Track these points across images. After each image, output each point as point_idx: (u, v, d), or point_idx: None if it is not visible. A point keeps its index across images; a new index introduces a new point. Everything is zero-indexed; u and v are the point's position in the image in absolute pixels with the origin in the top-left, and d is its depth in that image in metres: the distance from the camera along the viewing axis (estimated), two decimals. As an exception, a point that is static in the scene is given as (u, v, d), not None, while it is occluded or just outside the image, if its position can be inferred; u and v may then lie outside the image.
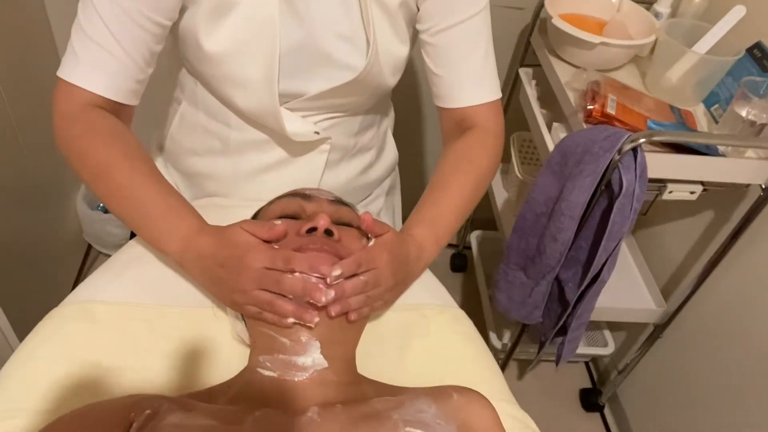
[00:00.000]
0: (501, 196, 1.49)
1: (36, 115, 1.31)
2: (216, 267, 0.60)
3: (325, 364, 0.57)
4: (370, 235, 0.63)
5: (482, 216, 1.68)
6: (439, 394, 0.56)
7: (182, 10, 0.67)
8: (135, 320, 0.64)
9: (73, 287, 1.56)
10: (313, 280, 0.56)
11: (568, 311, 1.08)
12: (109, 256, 0.76)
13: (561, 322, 1.12)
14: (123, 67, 0.66)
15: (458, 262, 1.83)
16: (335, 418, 0.51)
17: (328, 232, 0.60)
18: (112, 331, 0.63)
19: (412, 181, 1.24)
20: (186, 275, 0.67)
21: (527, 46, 1.29)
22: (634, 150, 0.88)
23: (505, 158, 1.49)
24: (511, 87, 1.39)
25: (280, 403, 0.54)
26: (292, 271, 0.56)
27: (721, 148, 0.96)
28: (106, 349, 0.61)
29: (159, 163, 0.93)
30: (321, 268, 0.56)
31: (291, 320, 0.57)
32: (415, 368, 0.67)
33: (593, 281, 1.02)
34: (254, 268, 0.56)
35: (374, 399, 0.54)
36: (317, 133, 0.77)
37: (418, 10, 0.73)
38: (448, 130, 0.80)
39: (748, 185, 1.01)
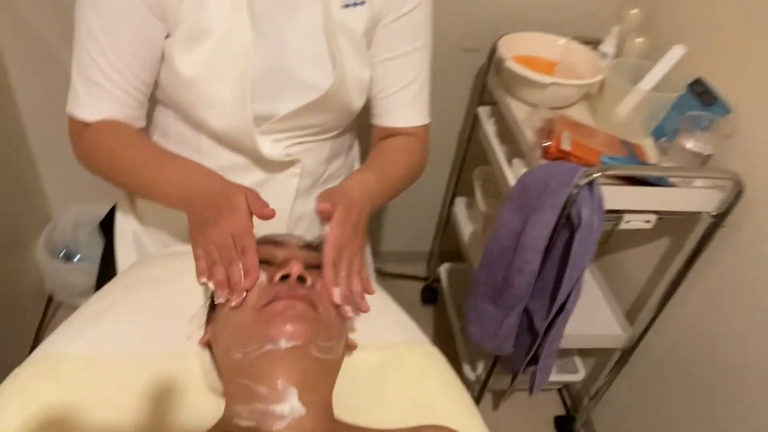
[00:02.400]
0: (467, 228, 1.53)
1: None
2: (204, 203, 0.67)
3: (303, 411, 0.57)
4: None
5: (450, 248, 1.72)
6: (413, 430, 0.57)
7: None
8: (104, 374, 0.64)
9: (35, 340, 1.51)
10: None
11: (538, 341, 1.11)
12: (71, 306, 0.76)
13: (532, 352, 1.14)
14: (118, 99, 0.75)
15: (429, 295, 1.84)
16: None
17: (301, 279, 0.61)
18: (81, 386, 0.62)
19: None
20: (154, 322, 0.69)
21: (484, 86, 1.35)
22: (590, 184, 0.93)
23: (469, 192, 1.54)
24: (471, 125, 1.43)
25: None
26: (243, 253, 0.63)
27: (671, 179, 1.01)
28: (74, 407, 0.60)
29: (126, 208, 0.94)
30: (297, 330, 0.57)
31: (210, 284, 0.63)
32: (390, 407, 0.68)
33: (560, 311, 1.05)
34: (227, 225, 0.64)
35: None
36: (289, 155, 0.81)
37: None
38: (378, 140, 0.90)
39: (699, 213, 1.07)
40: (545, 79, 1.10)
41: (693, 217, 1.10)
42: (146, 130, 0.86)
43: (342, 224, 0.68)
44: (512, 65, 1.12)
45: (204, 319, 0.69)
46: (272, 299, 0.59)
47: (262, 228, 0.69)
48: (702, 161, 1.01)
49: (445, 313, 1.70)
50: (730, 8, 1.07)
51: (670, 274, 1.17)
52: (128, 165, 0.77)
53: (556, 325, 1.08)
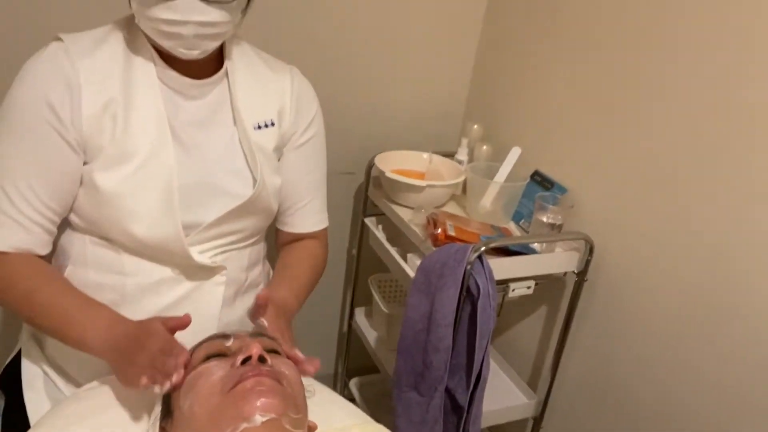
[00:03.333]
0: (371, 337, 1.59)
1: None
2: (124, 343, 0.72)
3: None
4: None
5: (356, 364, 1.75)
6: None
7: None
8: None
9: None
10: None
11: (464, 417, 1.17)
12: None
13: (460, 431, 1.19)
14: (25, 228, 0.77)
15: (341, 418, 1.81)
16: None
17: (262, 359, 0.65)
18: None
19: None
20: None
21: (365, 200, 1.52)
22: (480, 257, 1.09)
23: (365, 302, 1.64)
24: (359, 236, 1.57)
25: None
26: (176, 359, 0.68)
27: (537, 247, 1.21)
28: None
29: (34, 354, 0.89)
30: (270, 402, 0.61)
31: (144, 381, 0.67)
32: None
33: (477, 381, 1.14)
34: (151, 351, 0.69)
35: None
36: (214, 262, 0.86)
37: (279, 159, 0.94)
38: (285, 243, 1.03)
39: (565, 273, 1.27)
40: (421, 183, 1.29)
41: (561, 280, 1.31)
42: (54, 258, 0.86)
43: (275, 317, 0.80)
44: (392, 175, 1.30)
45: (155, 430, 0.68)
46: (238, 380, 0.61)
47: (195, 341, 0.75)
48: (557, 230, 1.23)
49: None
50: (551, 116, 1.38)
51: (556, 335, 1.34)
52: (45, 307, 0.77)
53: (477, 397, 1.16)
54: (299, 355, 0.74)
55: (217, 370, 0.64)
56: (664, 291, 1.10)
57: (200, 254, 0.85)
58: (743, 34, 0.94)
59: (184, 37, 0.75)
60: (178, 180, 0.80)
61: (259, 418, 0.58)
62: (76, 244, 0.84)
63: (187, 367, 0.68)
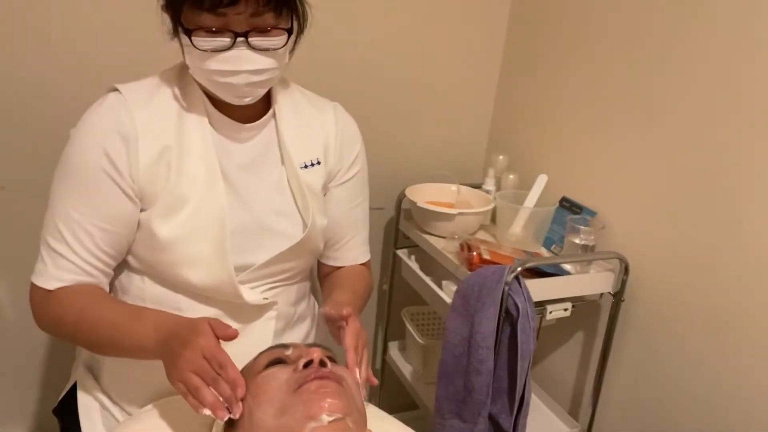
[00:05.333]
0: (407, 371, 1.59)
1: None
2: (172, 339, 0.70)
3: None
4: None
5: (392, 402, 1.73)
6: None
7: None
8: None
9: None
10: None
11: (509, 443, 1.15)
12: None
13: (505, 459, 1.17)
14: (83, 270, 0.79)
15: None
16: None
17: (322, 363, 0.67)
18: None
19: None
20: None
21: (396, 233, 1.54)
22: (517, 278, 1.10)
23: (399, 336, 1.64)
24: (391, 269, 1.59)
25: None
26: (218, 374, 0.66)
27: (570, 269, 1.22)
28: None
29: (89, 385, 0.92)
30: (335, 403, 0.63)
31: (206, 411, 0.65)
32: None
33: (520, 405, 1.13)
34: (197, 349, 0.67)
35: None
36: (266, 298, 0.88)
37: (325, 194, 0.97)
38: (328, 273, 1.05)
39: (601, 296, 1.28)
40: (453, 211, 1.33)
41: (597, 303, 1.31)
42: (112, 294, 0.89)
43: (356, 319, 0.80)
44: (425, 205, 1.34)
45: None
46: (303, 382, 0.63)
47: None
48: (590, 251, 1.24)
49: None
50: (574, 142, 1.41)
51: (595, 360, 1.33)
52: (97, 324, 0.78)
53: (520, 421, 1.15)
54: (368, 373, 0.77)
55: (281, 374, 0.66)
56: (703, 309, 1.10)
57: (251, 291, 0.87)
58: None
59: (236, 86, 0.78)
60: (230, 223, 0.82)
61: (326, 418, 0.60)
62: (134, 282, 0.87)
63: (244, 397, 0.67)
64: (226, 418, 0.65)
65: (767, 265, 0.99)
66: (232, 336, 0.70)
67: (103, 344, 0.80)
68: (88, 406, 0.90)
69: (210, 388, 0.66)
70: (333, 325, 0.84)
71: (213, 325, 0.70)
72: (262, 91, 0.83)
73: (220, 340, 0.69)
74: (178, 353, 0.68)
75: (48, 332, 0.83)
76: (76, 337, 0.81)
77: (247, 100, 0.81)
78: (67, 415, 0.91)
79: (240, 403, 0.65)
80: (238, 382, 0.65)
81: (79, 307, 0.79)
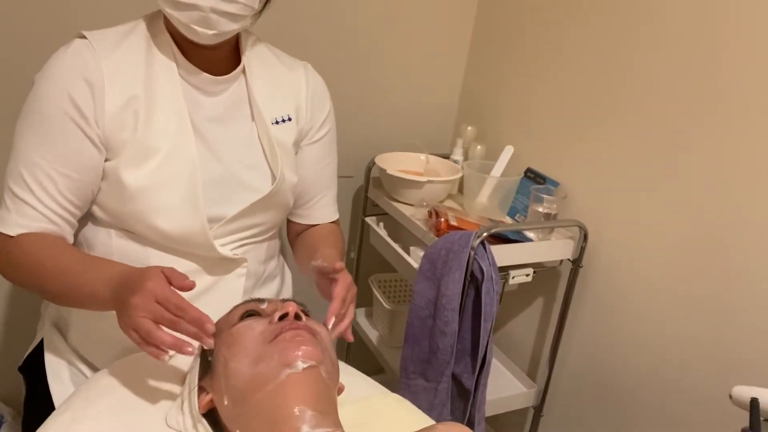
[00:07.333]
0: (373, 336, 1.63)
1: None
2: (121, 287, 0.69)
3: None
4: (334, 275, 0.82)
5: (359, 367, 1.76)
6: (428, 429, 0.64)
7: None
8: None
9: None
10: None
11: (470, 401, 1.21)
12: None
13: (467, 416, 1.23)
14: (46, 217, 0.79)
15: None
16: None
17: (297, 316, 0.69)
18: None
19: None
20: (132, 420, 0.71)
21: (365, 200, 1.57)
22: (483, 243, 1.14)
23: (366, 303, 1.67)
24: (359, 237, 1.62)
25: None
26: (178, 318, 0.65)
27: (533, 236, 1.27)
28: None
29: (57, 344, 0.91)
30: (310, 350, 0.65)
31: (168, 355, 0.64)
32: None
33: (482, 365, 1.18)
34: (147, 294, 0.65)
35: None
36: (236, 254, 0.89)
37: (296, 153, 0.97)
38: (299, 232, 1.07)
39: (561, 262, 1.33)
40: (422, 179, 1.35)
41: (557, 270, 1.37)
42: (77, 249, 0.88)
43: (347, 274, 0.83)
44: (395, 173, 1.36)
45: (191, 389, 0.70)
46: (279, 332, 0.65)
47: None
48: (552, 219, 1.29)
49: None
50: (540, 115, 1.45)
51: (553, 325, 1.39)
52: (55, 268, 0.77)
53: (482, 380, 1.20)
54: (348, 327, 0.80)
55: (256, 325, 0.68)
56: (657, 276, 1.17)
57: (223, 247, 0.88)
58: (724, 32, 1.03)
59: (201, 8, 0.74)
60: (202, 174, 0.83)
61: (300, 365, 0.62)
62: (100, 236, 0.86)
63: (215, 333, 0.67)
64: (196, 353, 0.66)
65: (713, 235, 1.06)
66: (188, 287, 0.68)
67: (59, 293, 0.78)
68: (55, 363, 0.90)
69: (163, 332, 0.64)
70: (324, 278, 0.86)
71: (167, 273, 0.68)
72: (229, 28, 0.78)
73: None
74: (128, 300, 0.66)
75: (8, 279, 0.81)
76: (34, 283, 0.80)
77: (211, 33, 0.77)
78: (33, 373, 0.91)
79: (212, 337, 0.65)
80: (203, 317, 0.65)
81: (39, 254, 0.78)
